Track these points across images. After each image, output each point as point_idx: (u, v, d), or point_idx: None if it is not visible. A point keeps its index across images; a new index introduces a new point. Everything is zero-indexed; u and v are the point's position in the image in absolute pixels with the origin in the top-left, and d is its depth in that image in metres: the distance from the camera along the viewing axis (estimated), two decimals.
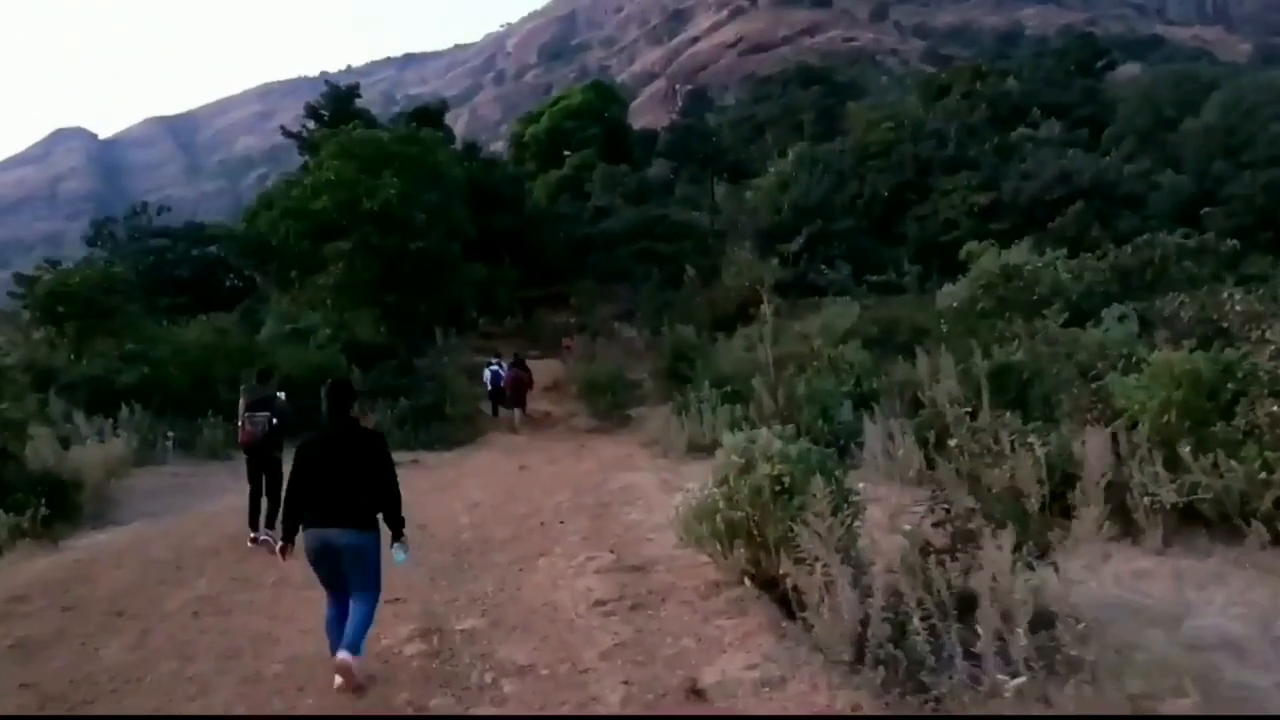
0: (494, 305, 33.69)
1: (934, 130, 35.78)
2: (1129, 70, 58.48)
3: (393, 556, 4.78)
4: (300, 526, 4.68)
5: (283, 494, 5.05)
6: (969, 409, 13.38)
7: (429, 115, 30.98)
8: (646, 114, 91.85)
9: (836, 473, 5.83)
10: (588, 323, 31.79)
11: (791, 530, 5.36)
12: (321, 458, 4.68)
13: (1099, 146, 36.87)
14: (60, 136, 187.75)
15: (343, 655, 4.40)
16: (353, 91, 32.97)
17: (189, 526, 8.68)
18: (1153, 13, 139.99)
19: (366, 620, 4.59)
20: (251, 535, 8.03)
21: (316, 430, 4.87)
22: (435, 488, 11.38)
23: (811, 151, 36.88)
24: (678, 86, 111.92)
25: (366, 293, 19.92)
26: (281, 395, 9.07)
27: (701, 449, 14.97)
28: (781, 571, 5.40)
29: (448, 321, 25.47)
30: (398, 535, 4.79)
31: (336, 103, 31.86)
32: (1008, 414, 13.11)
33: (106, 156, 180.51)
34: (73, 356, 15.06)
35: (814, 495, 5.19)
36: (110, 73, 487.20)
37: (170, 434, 12.66)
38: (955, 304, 20.58)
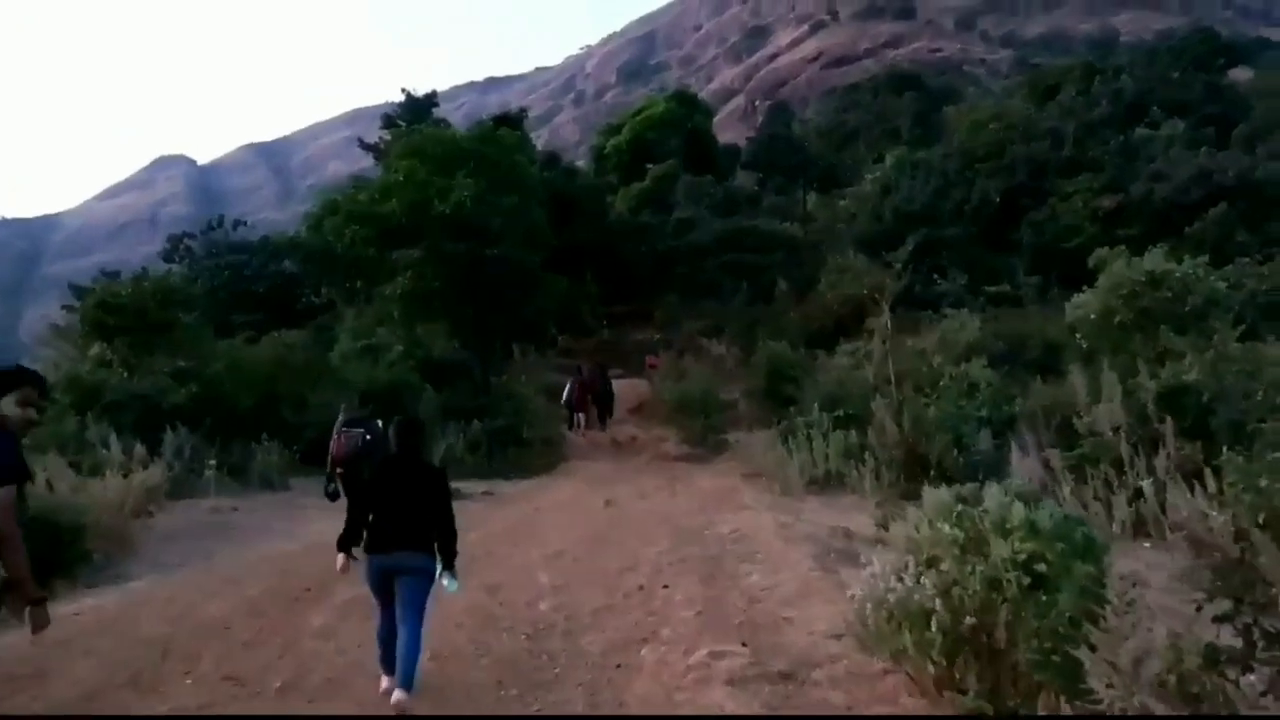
0: (576, 321, 32.14)
1: (1049, 130, 32.87)
2: (1238, 74, 54.10)
3: (445, 587, 4.84)
4: (364, 551, 4.86)
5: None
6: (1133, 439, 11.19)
7: (508, 120, 29.65)
8: (726, 131, 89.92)
9: (1103, 554, 3.78)
10: (673, 339, 29.95)
11: (1051, 650, 3.36)
12: (388, 486, 4.93)
13: (1228, 146, 33.46)
14: (162, 164, 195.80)
15: (398, 696, 4.44)
16: (430, 100, 32.00)
17: (204, 584, 7.04)
18: (1257, 15, 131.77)
19: (415, 648, 4.62)
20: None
21: (385, 461, 5.29)
22: (510, 531, 9.61)
23: (912, 156, 34.34)
24: (757, 103, 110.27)
25: (437, 304, 18.36)
26: (379, 423, 9.27)
27: (814, 482, 12.99)
28: (1044, 711, 3.40)
29: (526, 338, 23.90)
30: (449, 564, 4.86)
31: (414, 113, 30.88)
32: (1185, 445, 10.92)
33: (205, 182, 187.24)
34: (125, 374, 13.85)
35: (1090, 591, 3.21)
36: (209, 101, 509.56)
37: (212, 462, 11.20)
38: (1093, 315, 18.04)
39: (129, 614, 6.05)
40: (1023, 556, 3.55)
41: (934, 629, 3.65)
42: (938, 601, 3.66)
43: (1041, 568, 3.54)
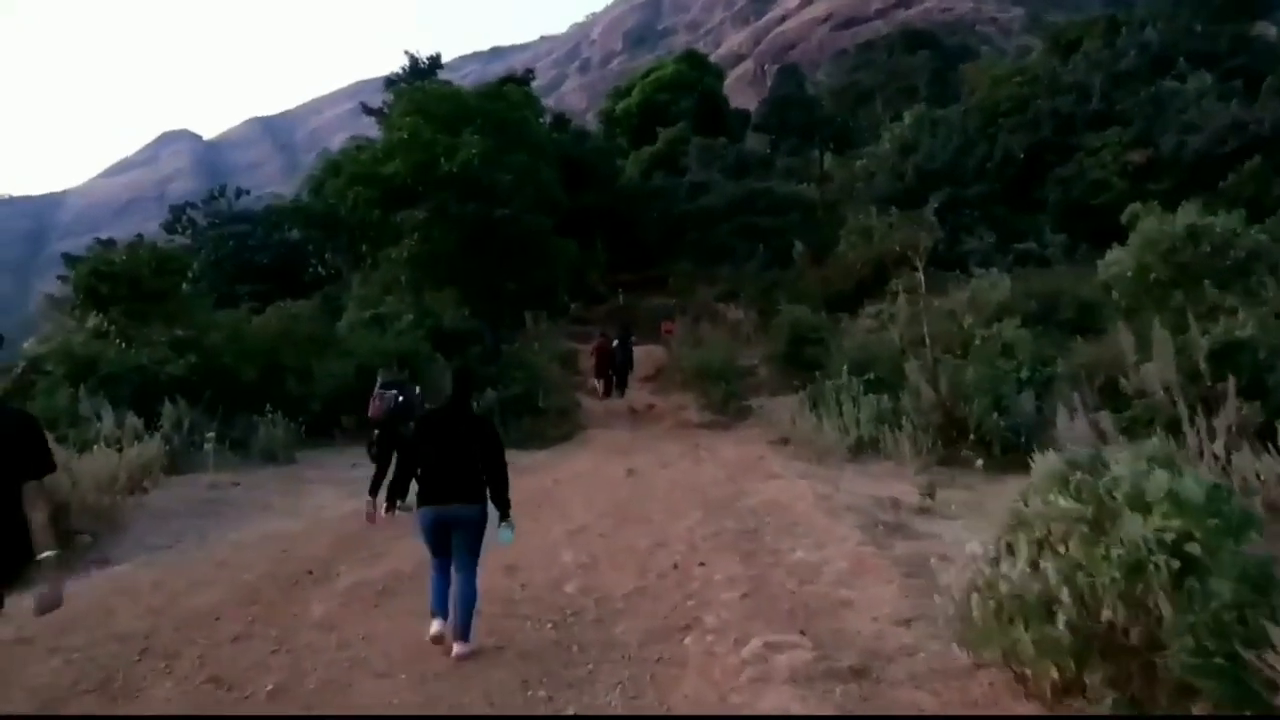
0: (586, 288, 31.39)
1: (1074, 83, 31.69)
2: (1261, 28, 52.15)
3: (499, 536, 4.82)
4: (418, 503, 4.86)
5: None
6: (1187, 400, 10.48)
7: (515, 82, 28.61)
8: (735, 96, 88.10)
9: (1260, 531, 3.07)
10: (688, 305, 29.19)
11: (1210, 650, 2.69)
12: (440, 434, 4.89)
13: (1257, 99, 32.23)
14: (167, 139, 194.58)
15: (458, 649, 4.52)
16: (435, 63, 31.02)
17: (195, 568, 6.42)
18: None
19: (472, 599, 4.67)
20: (369, 501, 8.54)
21: (435, 411, 5.22)
22: (528, 503, 8.93)
23: (931, 114, 33.25)
24: (766, 66, 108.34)
25: (445, 268, 17.54)
26: (417, 388, 10.03)
27: (846, 448, 12.31)
28: None
29: (538, 305, 23.18)
30: (504, 515, 4.85)
31: (418, 77, 29.89)
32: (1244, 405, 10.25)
33: (210, 157, 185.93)
34: (122, 345, 13.21)
35: (1252, 576, 2.53)
36: (213, 75, 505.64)
37: (210, 435, 10.59)
38: (1129, 273, 17.24)
39: (106, 604, 5.42)
40: (1170, 536, 2.85)
41: (1060, 625, 2.96)
42: (1064, 591, 2.97)
43: (1193, 549, 2.85)
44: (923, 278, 13.60)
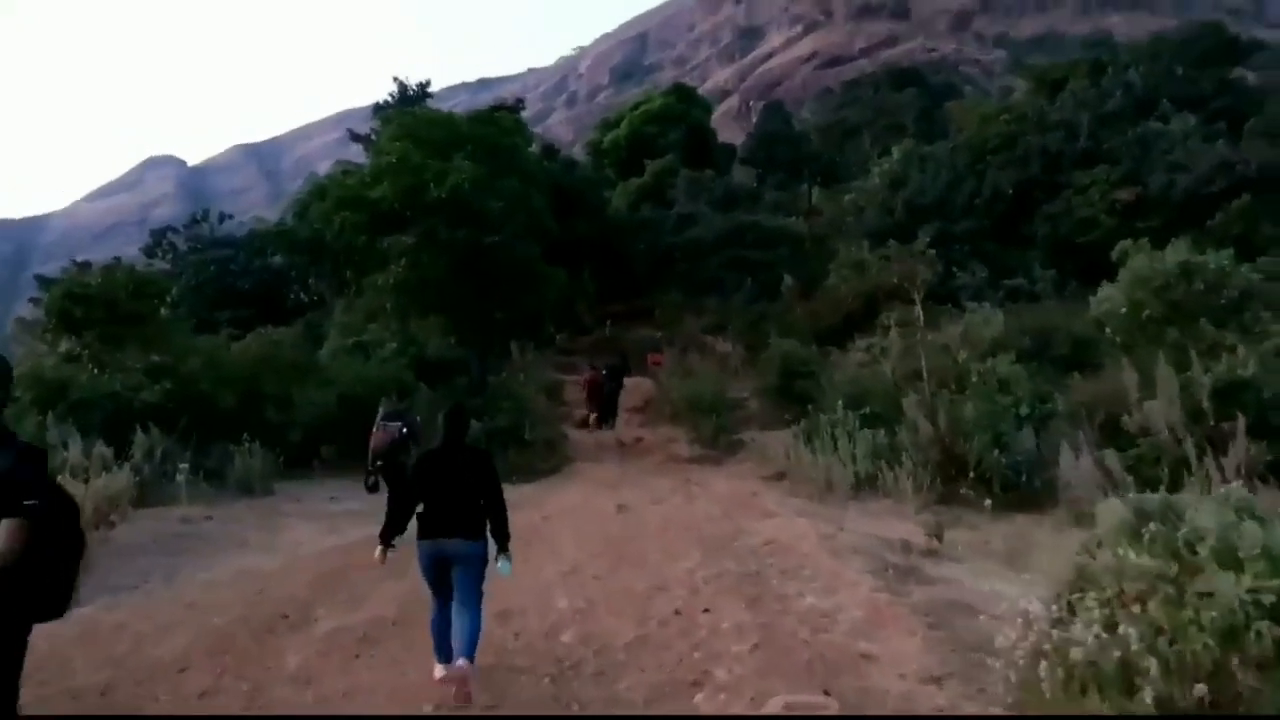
0: (574, 319, 31.08)
1: (1062, 121, 31.92)
2: (1238, 74, 53.06)
3: (498, 569, 4.81)
4: (418, 538, 4.81)
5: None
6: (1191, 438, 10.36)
7: (505, 109, 28.46)
8: (721, 131, 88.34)
9: None
10: (675, 337, 28.92)
11: None
12: (438, 473, 4.89)
13: (1240, 140, 32.61)
14: (151, 164, 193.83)
15: (461, 664, 4.45)
16: (424, 90, 30.86)
17: (161, 611, 5.95)
18: (1248, 16, 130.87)
19: (477, 627, 4.62)
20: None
21: (432, 448, 5.17)
22: (517, 539, 8.41)
23: (920, 149, 33.39)
24: (751, 103, 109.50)
25: (433, 294, 17.14)
26: (418, 418, 10.02)
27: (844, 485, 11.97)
28: None
29: (525, 335, 22.81)
30: (503, 548, 4.86)
31: (407, 102, 29.72)
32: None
33: (194, 183, 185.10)
34: (95, 370, 12.73)
35: None
36: (199, 101, 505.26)
37: (184, 466, 10.11)
38: (1123, 309, 17.17)
39: (63, 652, 4.95)
40: (1269, 598, 2.52)
41: (1147, 698, 2.61)
42: (1150, 660, 2.62)
43: None
44: (921, 311, 13.37)
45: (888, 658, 4.71)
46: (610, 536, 9.01)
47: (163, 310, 14.90)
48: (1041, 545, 8.62)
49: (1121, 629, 2.75)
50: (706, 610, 5.88)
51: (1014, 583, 7.26)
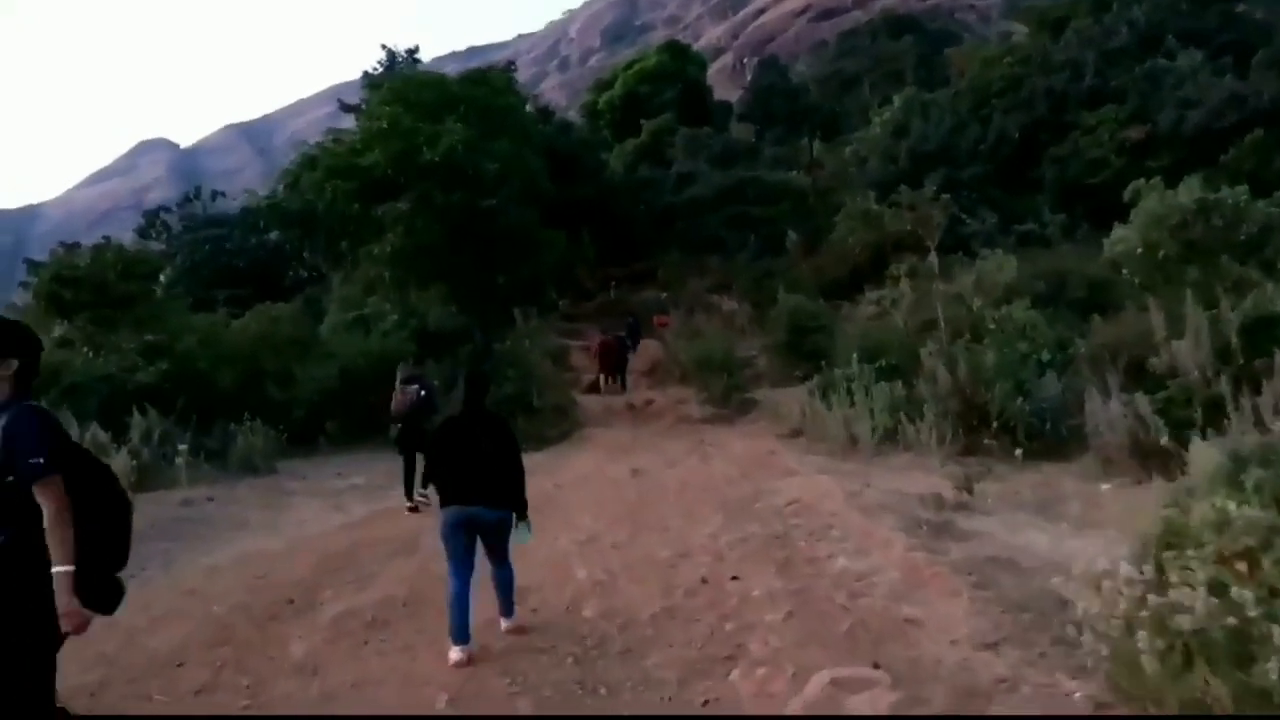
0: (574, 284, 30.64)
1: (1066, 61, 31.11)
2: (1240, 8, 51.69)
3: (517, 536, 4.86)
4: (440, 505, 4.81)
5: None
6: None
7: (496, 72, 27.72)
8: (715, 88, 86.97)
9: None
10: (679, 297, 28.51)
11: None
12: (458, 439, 4.86)
13: (1248, 75, 31.80)
14: (144, 148, 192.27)
15: (506, 624, 4.81)
16: (413, 56, 30.15)
17: (159, 602, 5.59)
18: None
19: (510, 581, 4.87)
20: (409, 505, 9.02)
21: (452, 415, 5.18)
22: (531, 511, 8.23)
23: (921, 96, 32.63)
24: (745, 60, 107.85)
25: (430, 262, 16.66)
26: (434, 381, 10.58)
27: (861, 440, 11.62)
28: None
29: (527, 301, 22.40)
30: (522, 515, 4.89)
31: (396, 70, 29.00)
32: None
33: (188, 165, 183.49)
34: (89, 353, 12.37)
35: None
36: (188, 82, 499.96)
37: (183, 447, 9.79)
38: (1139, 250, 16.74)
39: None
40: None
41: (1274, 672, 2.25)
42: (1275, 630, 2.26)
43: None
44: (936, 259, 12.94)
45: (934, 622, 4.38)
46: (627, 502, 8.70)
47: (156, 290, 14.51)
48: (1073, 495, 8.33)
49: (1234, 591, 2.39)
50: (735, 578, 5.55)
51: (1045, 531, 6.97)
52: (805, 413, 13.08)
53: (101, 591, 2.68)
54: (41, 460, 2.54)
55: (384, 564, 6.59)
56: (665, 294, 29.71)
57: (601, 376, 19.92)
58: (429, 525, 8.17)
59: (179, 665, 4.45)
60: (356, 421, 13.90)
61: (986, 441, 10.93)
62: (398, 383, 9.65)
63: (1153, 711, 2.65)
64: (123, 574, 2.79)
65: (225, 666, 4.44)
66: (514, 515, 4.83)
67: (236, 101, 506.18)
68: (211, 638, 4.86)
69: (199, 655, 4.59)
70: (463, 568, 4.65)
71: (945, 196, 13.78)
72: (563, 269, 24.73)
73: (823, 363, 14.75)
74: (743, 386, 17.01)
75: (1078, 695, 3.23)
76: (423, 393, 9.32)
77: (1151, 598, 2.57)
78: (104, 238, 14.55)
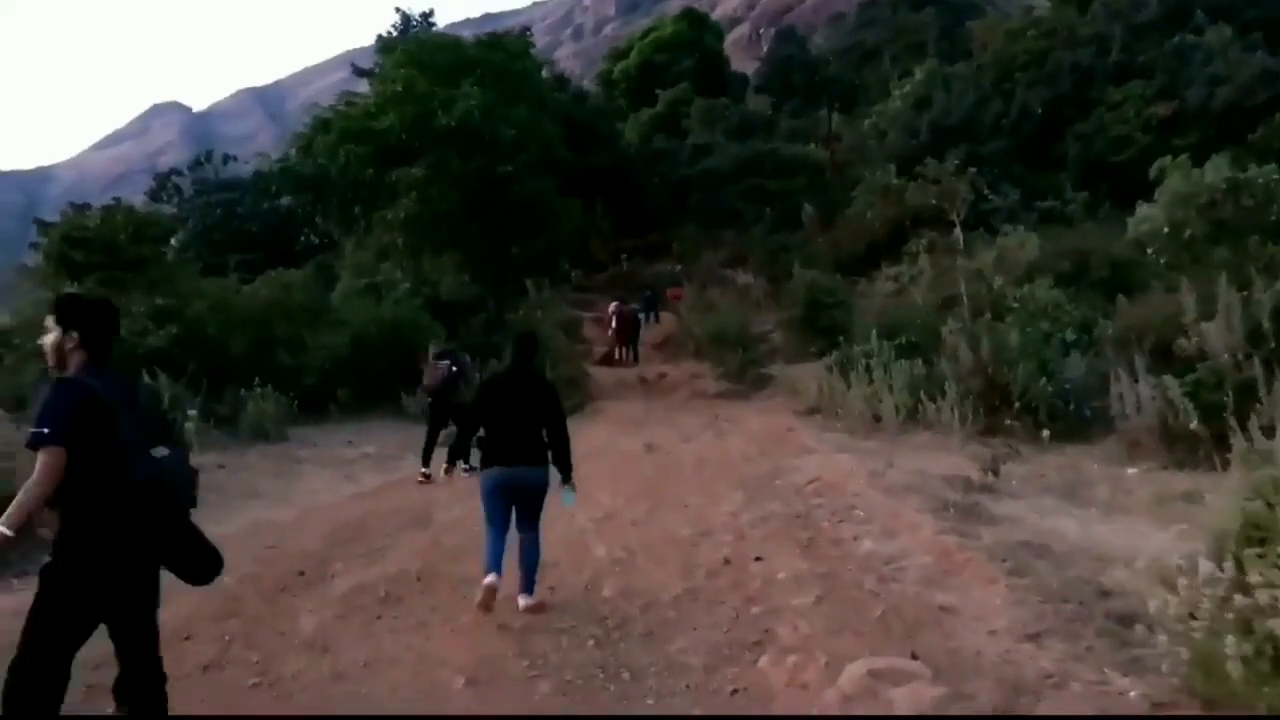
0: (587, 255, 30.35)
1: (1093, 35, 30.42)
2: None
3: (562, 499, 4.82)
4: (482, 465, 4.80)
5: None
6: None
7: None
8: (732, 60, 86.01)
9: None
10: (693, 270, 28.22)
11: None
12: (504, 397, 4.84)
13: (1278, 51, 31.04)
14: (156, 111, 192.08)
15: (524, 601, 4.56)
16: (427, 20, 29.72)
17: (167, 574, 5.48)
18: None
19: (536, 558, 4.71)
20: (422, 471, 8.99)
21: (497, 372, 5.68)
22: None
23: (943, 69, 32.02)
24: (761, 30, 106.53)
25: (444, 230, 16.42)
26: (466, 357, 10.71)
27: (881, 418, 11.41)
28: None
29: (540, 271, 22.18)
30: (566, 478, 4.84)
31: (410, 33, 28.57)
32: None
33: (200, 129, 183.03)
34: None
35: None
36: (202, 45, 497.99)
37: (193, 412, 9.67)
38: (1165, 230, 16.41)
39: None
40: None
41: None
42: None
43: None
44: (960, 234, 12.66)
45: (970, 610, 4.20)
46: (644, 478, 8.54)
47: (167, 253, 14.32)
48: (1098, 478, 8.12)
49: None
50: (758, 558, 5.38)
51: (1074, 516, 6.77)
52: (823, 390, 12.86)
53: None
54: (44, 430, 2.55)
55: (396, 536, 6.45)
56: (679, 267, 29.42)
57: (619, 348, 19.71)
58: (441, 497, 8.04)
59: (186, 639, 4.30)
60: (367, 389, 13.78)
61: (1008, 422, 10.72)
62: (430, 357, 9.95)
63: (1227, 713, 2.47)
64: None
65: (233, 641, 4.30)
66: (559, 477, 4.81)
67: (250, 66, 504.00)
68: (220, 610, 4.71)
69: (207, 629, 4.45)
70: (500, 528, 4.68)
71: (972, 170, 13.37)
72: (577, 240, 24.46)
73: (840, 339, 14.54)
74: (758, 361, 16.80)
75: (1133, 694, 3.05)
76: (454, 368, 9.54)
77: (1237, 598, 2.37)
78: (115, 199, 14.38)
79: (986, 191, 21.94)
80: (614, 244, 32.66)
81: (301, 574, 5.44)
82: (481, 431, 4.90)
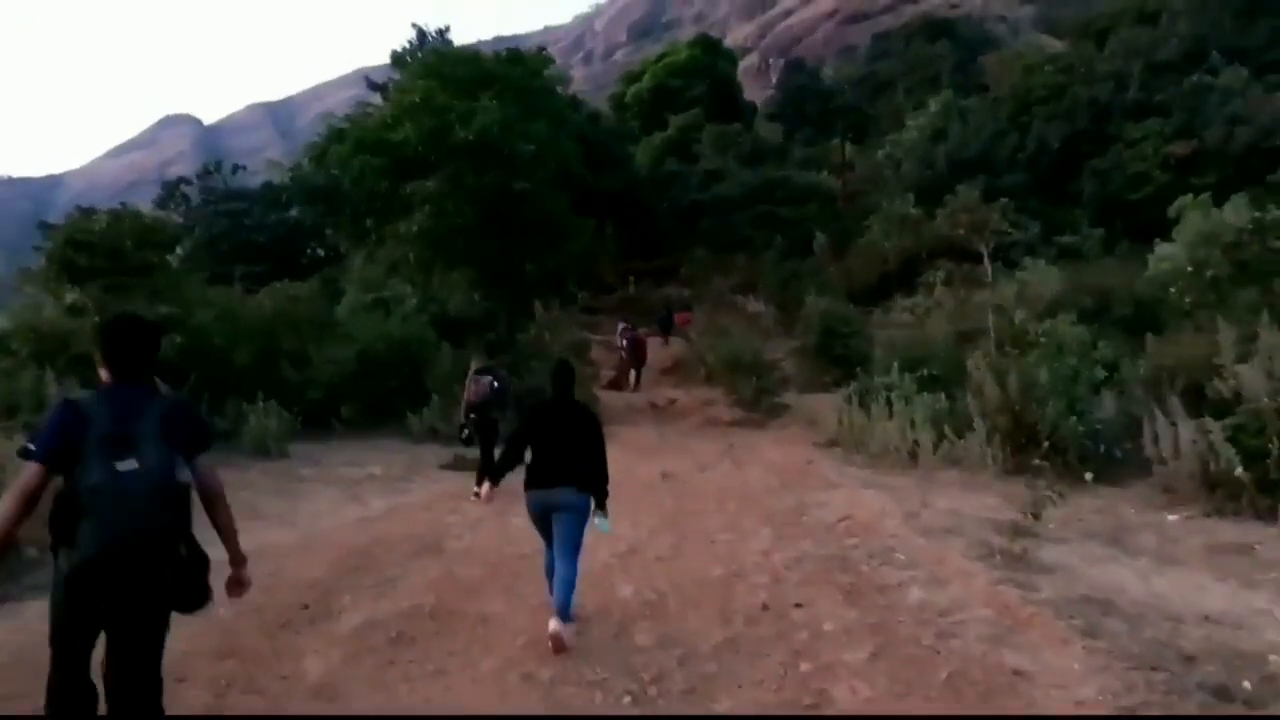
0: (594, 277, 30.08)
1: (1111, 72, 30.35)
2: None
3: (596, 526, 4.84)
4: (525, 487, 4.82)
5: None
6: None
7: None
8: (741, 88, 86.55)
9: None
10: (702, 295, 27.93)
11: None
12: (548, 423, 4.93)
13: None
14: (168, 122, 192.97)
15: (554, 626, 4.44)
16: (443, 35, 29.57)
17: None
18: None
19: (572, 582, 4.65)
20: (475, 491, 8.53)
21: (543, 400, 5.22)
22: None
23: (959, 101, 31.93)
24: (771, 60, 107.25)
25: (459, 245, 16.09)
26: (506, 374, 10.54)
27: (907, 453, 11.02)
28: None
29: (549, 292, 21.83)
30: (600, 505, 4.87)
31: (427, 47, 28.42)
32: None
33: (210, 141, 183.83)
34: (100, 322, 11.82)
35: None
36: (215, 59, 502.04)
37: None
38: (1188, 268, 16.17)
39: (34, 658, 4.12)
40: None
41: None
42: None
43: None
44: (989, 265, 12.33)
45: (1046, 676, 3.79)
46: (664, 509, 8.13)
47: (172, 261, 13.99)
48: (1139, 524, 7.72)
49: None
50: (798, 604, 4.97)
51: (1127, 567, 6.37)
52: (843, 421, 12.48)
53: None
54: (29, 447, 2.71)
55: (406, 566, 6.04)
56: (688, 291, 29.16)
57: (631, 373, 19.36)
58: (454, 523, 7.64)
59: (179, 681, 3.89)
60: (373, 407, 13.41)
61: (1036, 462, 10.34)
62: (471, 373, 9.96)
63: None
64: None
65: (231, 686, 3.88)
66: (593, 503, 4.81)
67: (262, 81, 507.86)
68: (218, 647, 4.30)
69: (203, 669, 4.03)
70: (552, 543, 4.79)
71: (1004, 200, 13.08)
72: (586, 261, 24.15)
73: (857, 369, 14.21)
74: (773, 390, 16.42)
75: None
76: (495, 384, 9.59)
77: None
78: (120, 203, 14.04)
79: (1010, 225, 21.74)
80: (622, 266, 32.44)
81: (306, 607, 5.03)
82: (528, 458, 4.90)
